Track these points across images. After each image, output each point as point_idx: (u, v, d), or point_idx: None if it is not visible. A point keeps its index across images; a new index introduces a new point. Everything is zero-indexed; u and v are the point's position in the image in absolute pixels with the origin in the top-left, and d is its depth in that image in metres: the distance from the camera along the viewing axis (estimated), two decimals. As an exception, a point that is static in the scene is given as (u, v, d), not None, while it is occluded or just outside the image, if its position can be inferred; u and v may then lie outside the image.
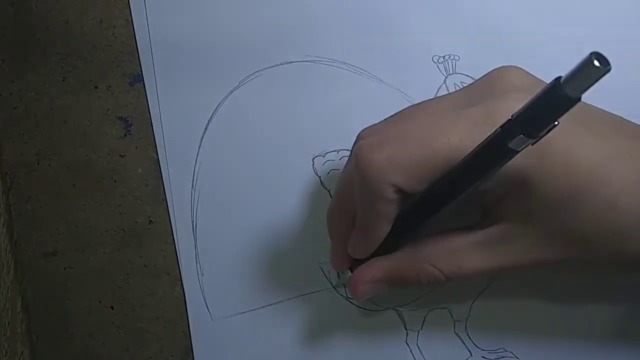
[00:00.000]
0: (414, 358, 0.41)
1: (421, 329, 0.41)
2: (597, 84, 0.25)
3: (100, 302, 0.42)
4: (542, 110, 0.27)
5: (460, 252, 0.34)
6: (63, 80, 0.44)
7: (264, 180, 0.43)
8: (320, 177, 0.43)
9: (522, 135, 0.27)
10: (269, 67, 0.44)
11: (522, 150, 0.28)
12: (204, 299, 0.42)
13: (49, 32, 0.44)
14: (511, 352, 0.40)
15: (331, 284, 0.42)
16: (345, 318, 0.41)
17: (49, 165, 0.43)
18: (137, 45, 0.44)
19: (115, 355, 0.42)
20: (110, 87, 0.44)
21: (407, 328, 0.41)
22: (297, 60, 0.45)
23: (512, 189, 0.33)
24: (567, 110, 0.26)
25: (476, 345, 0.40)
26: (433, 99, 0.38)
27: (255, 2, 0.45)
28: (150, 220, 0.43)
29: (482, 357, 0.40)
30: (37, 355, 0.42)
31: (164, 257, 0.42)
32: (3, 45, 0.44)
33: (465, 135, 0.31)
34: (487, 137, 0.30)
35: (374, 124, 0.38)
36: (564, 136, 0.31)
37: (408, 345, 0.41)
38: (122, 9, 0.44)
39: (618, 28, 0.45)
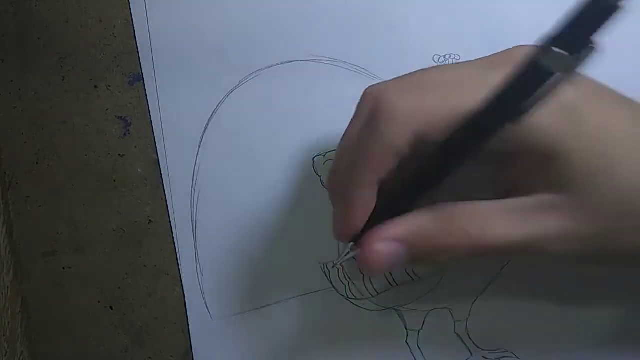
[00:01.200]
0: (415, 358, 0.41)
1: (421, 329, 0.41)
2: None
3: (99, 302, 0.42)
4: (581, 21, 0.25)
5: (487, 216, 0.31)
6: (63, 80, 0.44)
7: (264, 180, 0.43)
8: (320, 177, 0.43)
9: (557, 50, 0.25)
10: (268, 67, 0.44)
11: (558, 74, 0.25)
12: (204, 298, 0.42)
13: (49, 32, 0.44)
14: (511, 353, 0.40)
15: (331, 283, 0.42)
16: (345, 318, 0.41)
17: (49, 165, 0.43)
18: (137, 45, 0.44)
19: (115, 355, 0.42)
20: (110, 86, 0.44)
21: (408, 328, 0.41)
22: (297, 59, 0.45)
23: (545, 158, 0.31)
24: (609, 18, 0.24)
25: (477, 346, 0.40)
26: (448, 65, 0.36)
27: (255, 2, 0.45)
28: (150, 220, 0.43)
29: (483, 357, 0.40)
30: (37, 355, 0.42)
31: (164, 257, 0.42)
32: (3, 45, 0.44)
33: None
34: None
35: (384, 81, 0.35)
36: (596, 105, 0.30)
37: (408, 345, 0.41)
38: (122, 8, 0.44)
39: (619, 28, 0.45)
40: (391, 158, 0.31)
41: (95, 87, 0.44)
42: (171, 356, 0.42)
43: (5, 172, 0.43)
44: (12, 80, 0.44)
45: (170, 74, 0.44)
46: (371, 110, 0.32)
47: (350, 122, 0.36)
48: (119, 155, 0.43)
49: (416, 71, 0.34)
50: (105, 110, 0.44)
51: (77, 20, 0.44)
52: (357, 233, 0.34)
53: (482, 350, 0.40)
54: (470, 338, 0.41)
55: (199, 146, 0.43)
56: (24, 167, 0.43)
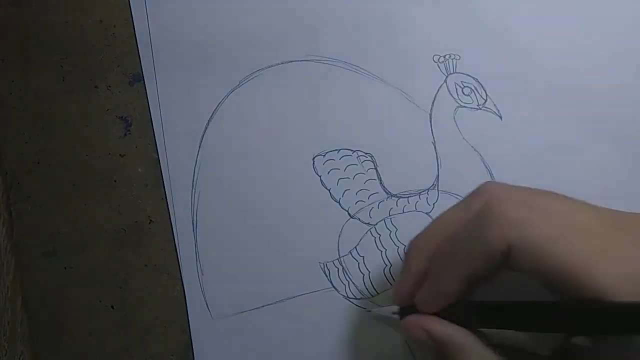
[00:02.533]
0: (414, 356, 0.41)
1: None
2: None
3: (100, 301, 0.42)
4: None
5: None
6: (63, 80, 0.44)
7: (264, 179, 0.43)
8: (320, 177, 0.43)
9: None
10: (268, 67, 0.45)
11: None
12: (204, 298, 0.42)
13: (49, 32, 0.44)
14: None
15: (331, 283, 0.42)
16: (346, 317, 0.41)
17: (49, 165, 0.43)
18: (137, 45, 0.44)
19: (115, 354, 0.41)
20: (110, 87, 0.44)
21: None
22: (297, 59, 0.45)
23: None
24: None
25: None
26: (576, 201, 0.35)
27: (255, 2, 0.45)
28: (150, 220, 0.43)
29: None
30: (37, 355, 0.42)
31: (164, 257, 0.42)
32: (3, 45, 0.44)
33: (606, 273, 0.29)
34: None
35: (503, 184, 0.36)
36: None
37: (408, 345, 0.41)
38: (122, 8, 0.45)
39: (618, 27, 0.45)
40: (482, 262, 0.32)
41: (96, 87, 0.44)
42: (171, 355, 0.41)
43: (6, 172, 0.43)
44: (12, 81, 0.44)
45: (170, 73, 0.44)
46: (482, 208, 0.33)
47: (457, 206, 0.36)
48: (120, 155, 0.44)
49: (543, 191, 0.34)
50: (105, 110, 0.44)
51: (78, 20, 0.44)
52: (406, 303, 0.37)
53: None
54: None
55: (199, 146, 0.43)
56: (24, 167, 0.43)
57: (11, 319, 0.41)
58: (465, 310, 0.34)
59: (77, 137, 0.44)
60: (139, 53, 0.44)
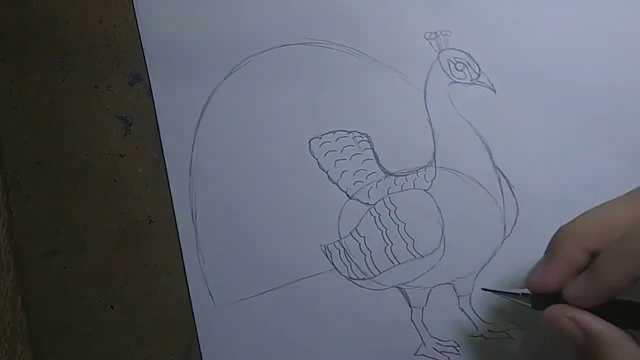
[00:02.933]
0: (420, 334, 0.41)
1: (425, 305, 0.41)
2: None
3: (100, 301, 0.42)
4: None
5: None
6: (63, 80, 0.44)
7: (260, 166, 0.43)
8: (317, 159, 0.43)
9: None
10: (261, 52, 0.45)
11: None
12: (207, 286, 0.41)
13: (49, 32, 0.44)
14: (517, 325, 0.40)
15: (333, 265, 0.42)
16: (349, 299, 0.41)
17: (49, 165, 0.43)
18: (142, 44, 0.45)
19: (116, 354, 0.41)
20: (110, 87, 0.44)
21: (412, 305, 0.41)
22: (289, 43, 0.45)
23: None
24: None
25: (482, 319, 0.40)
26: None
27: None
28: (150, 220, 0.43)
29: (488, 330, 0.40)
30: (37, 355, 0.41)
31: (164, 257, 0.42)
32: (3, 45, 0.44)
33: None
34: None
35: None
36: None
37: (413, 322, 0.41)
38: (122, 9, 0.45)
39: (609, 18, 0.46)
40: (569, 272, 0.34)
41: (96, 87, 0.44)
42: (171, 355, 0.41)
43: (6, 172, 0.43)
44: (12, 81, 0.44)
45: (163, 66, 0.44)
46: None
47: (619, 201, 0.36)
48: (120, 155, 0.44)
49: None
50: (105, 110, 0.44)
51: (78, 20, 0.45)
52: (547, 291, 0.36)
53: (488, 323, 0.40)
54: (474, 312, 0.40)
55: (195, 135, 0.43)
56: (24, 167, 0.43)
57: (11, 319, 0.41)
58: (617, 309, 0.34)
59: (77, 137, 0.44)
60: (143, 53, 0.44)
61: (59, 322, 0.42)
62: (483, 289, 0.39)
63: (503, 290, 0.38)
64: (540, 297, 0.36)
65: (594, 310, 0.34)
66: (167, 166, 0.43)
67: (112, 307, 0.42)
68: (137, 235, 0.43)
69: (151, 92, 0.44)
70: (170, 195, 0.43)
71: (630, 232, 0.33)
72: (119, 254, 0.42)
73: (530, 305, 0.36)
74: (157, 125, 0.44)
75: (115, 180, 0.43)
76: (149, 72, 0.44)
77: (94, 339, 0.42)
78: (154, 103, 0.44)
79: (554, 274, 0.35)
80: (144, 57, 0.44)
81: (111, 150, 0.44)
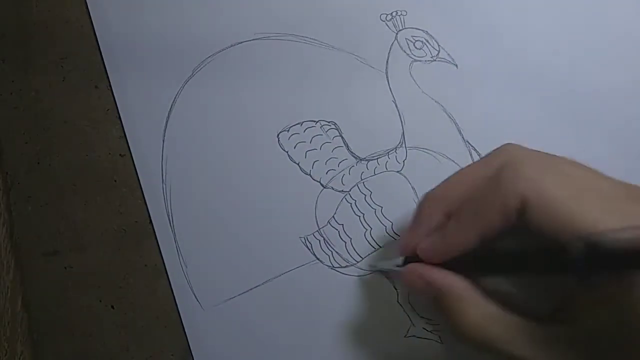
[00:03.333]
0: (408, 316, 0.41)
1: None
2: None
3: (100, 301, 0.42)
4: None
5: (511, 332, 0.33)
6: (63, 80, 0.44)
7: (231, 164, 0.43)
8: (287, 152, 0.43)
9: None
10: (219, 51, 0.45)
11: None
12: (192, 290, 0.41)
13: (49, 32, 0.44)
14: None
15: (314, 255, 0.42)
16: (334, 287, 0.41)
17: (49, 165, 0.43)
18: (99, 48, 0.44)
19: (116, 354, 0.41)
20: (110, 87, 0.44)
21: (397, 288, 0.41)
22: (245, 39, 0.45)
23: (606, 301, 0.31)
24: None
25: None
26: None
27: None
28: (151, 220, 0.43)
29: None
30: (37, 355, 0.41)
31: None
32: (3, 45, 0.44)
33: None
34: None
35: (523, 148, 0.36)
36: None
37: (400, 304, 0.41)
38: (121, 9, 0.45)
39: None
40: (498, 218, 0.33)
41: (96, 87, 0.44)
42: (171, 355, 0.41)
43: (6, 172, 0.43)
44: (12, 81, 0.44)
45: (123, 72, 0.44)
46: (501, 166, 0.33)
47: (476, 163, 0.37)
48: (120, 155, 0.44)
49: (561, 157, 0.35)
50: (105, 110, 0.44)
51: (78, 20, 0.45)
52: (413, 253, 0.37)
53: None
54: None
55: (163, 140, 0.43)
56: (25, 167, 0.43)
57: (11, 319, 0.41)
58: (466, 259, 0.35)
59: (77, 137, 0.44)
60: (101, 55, 0.44)
61: (59, 322, 0.42)
62: (370, 266, 0.41)
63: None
64: (410, 260, 0.37)
65: (449, 264, 0.35)
66: (137, 171, 0.43)
67: (112, 307, 0.42)
68: (137, 235, 0.43)
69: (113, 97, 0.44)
70: (145, 201, 0.43)
71: (475, 188, 0.34)
72: (119, 254, 0.42)
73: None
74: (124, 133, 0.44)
75: (115, 180, 0.43)
76: (109, 77, 0.44)
77: (94, 339, 0.42)
78: (117, 109, 0.44)
79: (414, 238, 0.37)
80: (104, 63, 0.44)
81: (111, 150, 0.44)
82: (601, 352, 0.31)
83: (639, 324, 0.30)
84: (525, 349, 0.32)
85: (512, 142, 0.34)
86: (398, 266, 0.38)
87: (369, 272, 0.41)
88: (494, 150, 0.36)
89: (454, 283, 0.35)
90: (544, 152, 0.35)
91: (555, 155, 0.35)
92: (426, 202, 0.37)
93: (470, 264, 0.35)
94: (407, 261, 0.37)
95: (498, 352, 0.33)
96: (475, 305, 0.34)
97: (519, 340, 0.33)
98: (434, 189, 0.37)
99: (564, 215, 0.31)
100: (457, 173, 0.37)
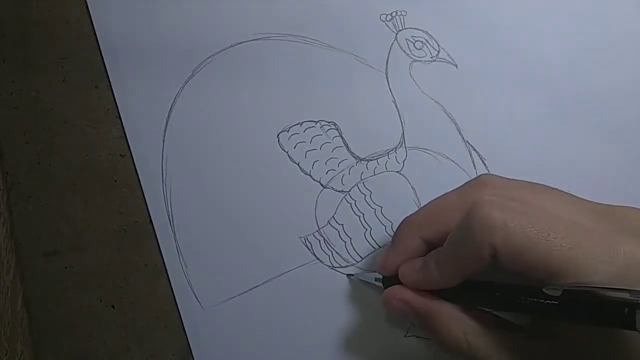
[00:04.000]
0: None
1: None
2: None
3: (100, 301, 0.42)
4: None
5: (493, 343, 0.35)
6: (63, 80, 0.44)
7: (232, 165, 0.43)
8: (287, 152, 0.43)
9: None
10: (219, 51, 0.45)
11: None
12: (192, 290, 0.41)
13: (49, 32, 0.44)
14: None
15: (315, 255, 0.42)
16: (334, 287, 0.41)
17: (49, 165, 0.43)
18: (100, 48, 0.44)
19: (116, 354, 0.41)
20: (110, 87, 0.44)
21: None
22: (246, 40, 0.45)
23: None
24: None
25: None
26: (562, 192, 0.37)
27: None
28: (151, 220, 0.43)
29: None
30: (37, 355, 0.41)
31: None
32: (3, 45, 0.44)
33: (589, 262, 0.31)
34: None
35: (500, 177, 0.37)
36: None
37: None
38: (122, 9, 0.45)
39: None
40: (473, 264, 0.34)
41: (96, 87, 0.44)
42: (172, 355, 0.41)
43: (6, 172, 0.43)
44: (13, 81, 0.44)
45: (123, 73, 0.44)
46: (473, 204, 0.34)
47: (453, 193, 0.37)
48: (120, 155, 0.44)
49: (529, 186, 0.36)
50: (106, 110, 0.44)
51: (78, 20, 0.45)
52: (390, 274, 0.38)
53: None
54: None
55: (163, 141, 0.43)
56: (25, 167, 0.43)
57: (11, 319, 0.41)
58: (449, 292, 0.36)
59: (77, 137, 0.44)
60: (101, 55, 0.44)
61: (59, 322, 0.42)
62: (348, 275, 0.41)
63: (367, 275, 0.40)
64: (389, 279, 0.38)
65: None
66: (137, 171, 0.43)
67: (112, 307, 0.42)
68: (137, 235, 0.43)
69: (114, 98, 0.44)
70: (145, 201, 0.43)
71: (451, 235, 0.35)
72: (119, 254, 0.42)
73: (383, 287, 0.38)
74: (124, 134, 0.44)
75: (115, 180, 0.43)
76: (109, 77, 0.44)
77: (94, 339, 0.42)
78: (118, 109, 0.44)
79: (393, 259, 0.38)
80: (104, 63, 0.44)
81: (111, 150, 0.44)
82: None
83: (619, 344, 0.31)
84: None
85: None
86: (377, 280, 0.39)
87: (366, 272, 0.41)
88: (469, 181, 0.37)
89: (432, 303, 0.36)
90: (517, 183, 0.36)
91: (524, 184, 0.36)
92: (405, 227, 0.38)
93: (452, 297, 0.36)
94: (386, 279, 0.39)
95: None
96: (456, 322, 0.35)
97: (499, 354, 0.34)
98: (412, 214, 0.38)
99: (535, 260, 0.32)
100: (434, 201, 0.38)
